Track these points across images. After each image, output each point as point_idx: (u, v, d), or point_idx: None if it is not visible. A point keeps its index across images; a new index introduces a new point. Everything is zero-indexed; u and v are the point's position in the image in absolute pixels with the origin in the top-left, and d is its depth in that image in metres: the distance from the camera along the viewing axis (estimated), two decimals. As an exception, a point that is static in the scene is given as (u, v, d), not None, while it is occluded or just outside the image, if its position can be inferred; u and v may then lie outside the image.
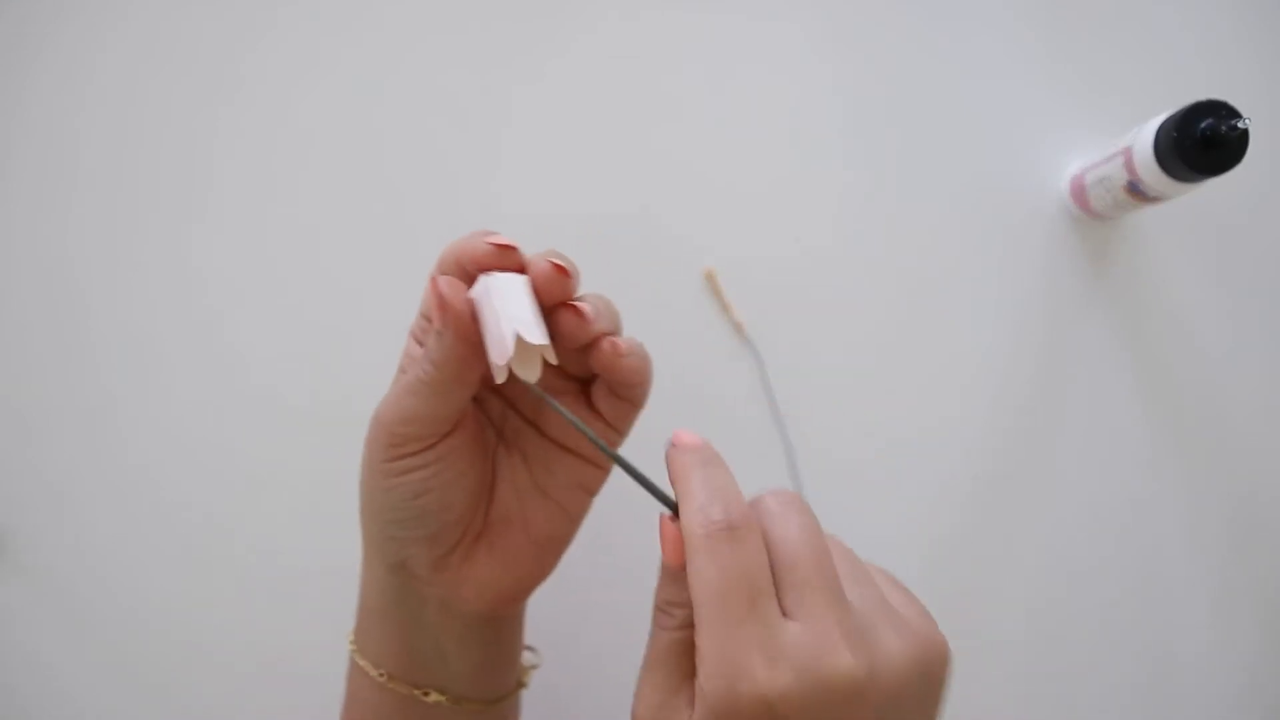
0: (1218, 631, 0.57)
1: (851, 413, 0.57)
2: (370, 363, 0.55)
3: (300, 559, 0.54)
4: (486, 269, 0.33)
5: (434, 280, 0.33)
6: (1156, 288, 0.58)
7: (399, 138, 0.56)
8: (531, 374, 0.33)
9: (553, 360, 0.33)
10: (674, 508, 0.31)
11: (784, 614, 0.28)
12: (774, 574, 0.28)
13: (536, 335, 0.32)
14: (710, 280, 0.56)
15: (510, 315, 0.32)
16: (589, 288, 0.56)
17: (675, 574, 0.30)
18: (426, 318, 0.37)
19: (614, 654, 0.54)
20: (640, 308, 0.56)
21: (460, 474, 0.36)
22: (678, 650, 0.30)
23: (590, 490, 0.38)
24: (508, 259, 0.33)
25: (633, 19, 0.57)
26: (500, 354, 0.32)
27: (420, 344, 0.37)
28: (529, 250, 0.35)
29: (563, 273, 0.33)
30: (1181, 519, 0.57)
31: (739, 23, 0.58)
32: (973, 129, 0.58)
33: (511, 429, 0.39)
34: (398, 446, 0.34)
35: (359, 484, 0.36)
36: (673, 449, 0.31)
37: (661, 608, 0.31)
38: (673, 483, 0.31)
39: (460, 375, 0.33)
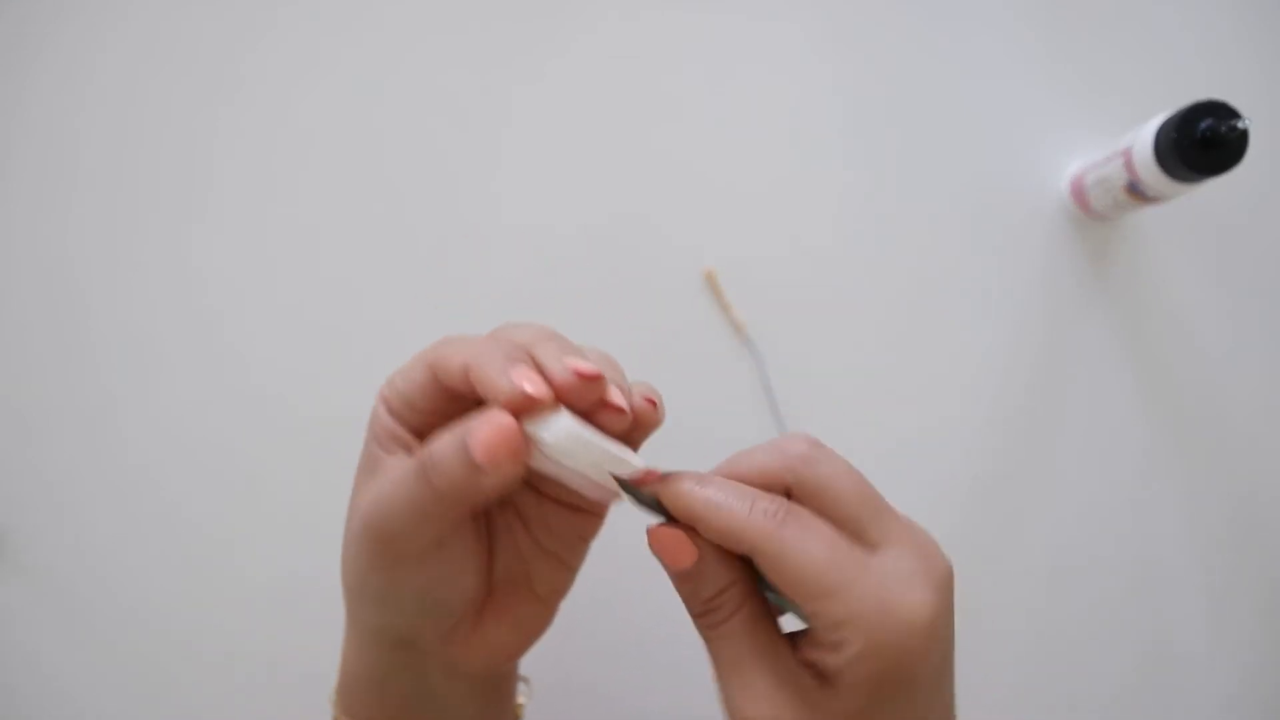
0: (1216, 629, 0.57)
1: (852, 412, 0.57)
2: (370, 363, 0.56)
3: (299, 559, 0.54)
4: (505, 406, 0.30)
5: (505, 423, 0.29)
6: (1156, 288, 0.58)
7: (399, 138, 0.56)
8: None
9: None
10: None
11: (872, 545, 0.30)
12: (846, 512, 0.30)
13: (631, 466, 0.31)
14: (710, 280, 0.56)
15: (592, 463, 0.30)
16: (589, 288, 0.56)
17: (695, 571, 0.31)
18: (406, 402, 0.32)
19: (598, 675, 0.54)
20: (640, 308, 0.56)
21: (471, 555, 0.34)
22: (751, 631, 0.30)
23: (588, 539, 0.37)
24: (531, 405, 0.30)
25: (633, 19, 0.57)
26: (608, 499, 0.31)
27: (395, 437, 0.33)
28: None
29: (592, 379, 0.30)
30: (1181, 518, 0.57)
31: (739, 23, 0.58)
32: (973, 129, 0.58)
33: None
34: (396, 554, 0.31)
35: (347, 571, 0.34)
36: (668, 489, 0.31)
37: (706, 610, 0.31)
38: (695, 512, 0.30)
39: (476, 503, 0.31)
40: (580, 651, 0.54)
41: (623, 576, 0.53)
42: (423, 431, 0.33)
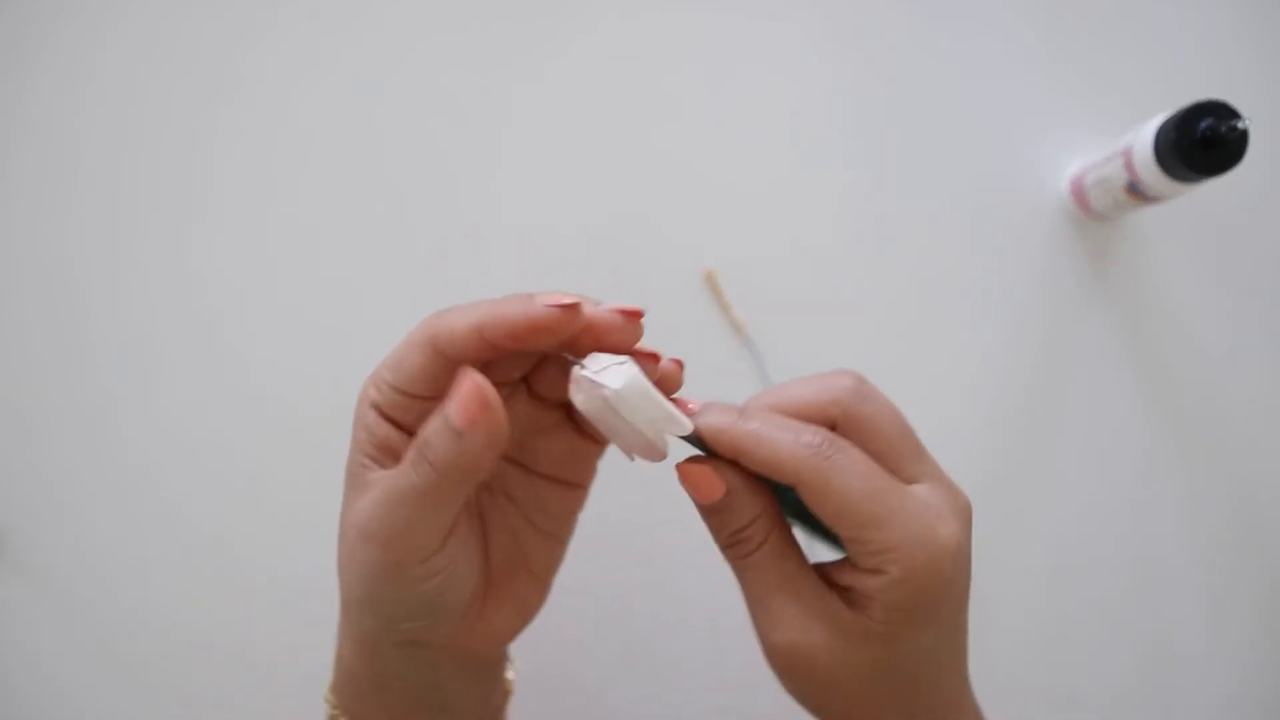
0: (1216, 629, 0.57)
1: (851, 413, 0.57)
2: (370, 363, 0.56)
3: (299, 559, 0.54)
4: (542, 335, 0.29)
5: (471, 380, 0.28)
6: (1156, 288, 0.58)
7: (399, 138, 0.56)
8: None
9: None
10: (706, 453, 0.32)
11: (908, 479, 0.31)
12: (887, 447, 0.32)
13: (683, 425, 0.31)
14: (710, 280, 0.56)
15: (649, 419, 0.30)
16: (589, 288, 0.56)
17: (723, 504, 0.31)
18: (404, 393, 0.32)
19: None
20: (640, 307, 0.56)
21: (473, 547, 0.34)
22: (778, 561, 0.32)
23: (577, 511, 0.37)
24: (571, 320, 0.29)
25: (633, 19, 0.57)
26: (650, 455, 0.31)
27: (385, 447, 0.32)
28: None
29: (635, 315, 0.31)
30: (1181, 518, 0.57)
31: (739, 23, 0.58)
32: (973, 129, 0.58)
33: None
34: (403, 555, 0.31)
35: (351, 585, 0.33)
36: (711, 424, 0.31)
37: (734, 541, 0.32)
38: (740, 445, 0.30)
39: (474, 475, 0.30)
40: (572, 644, 0.54)
41: (622, 570, 0.53)
42: (417, 427, 0.32)
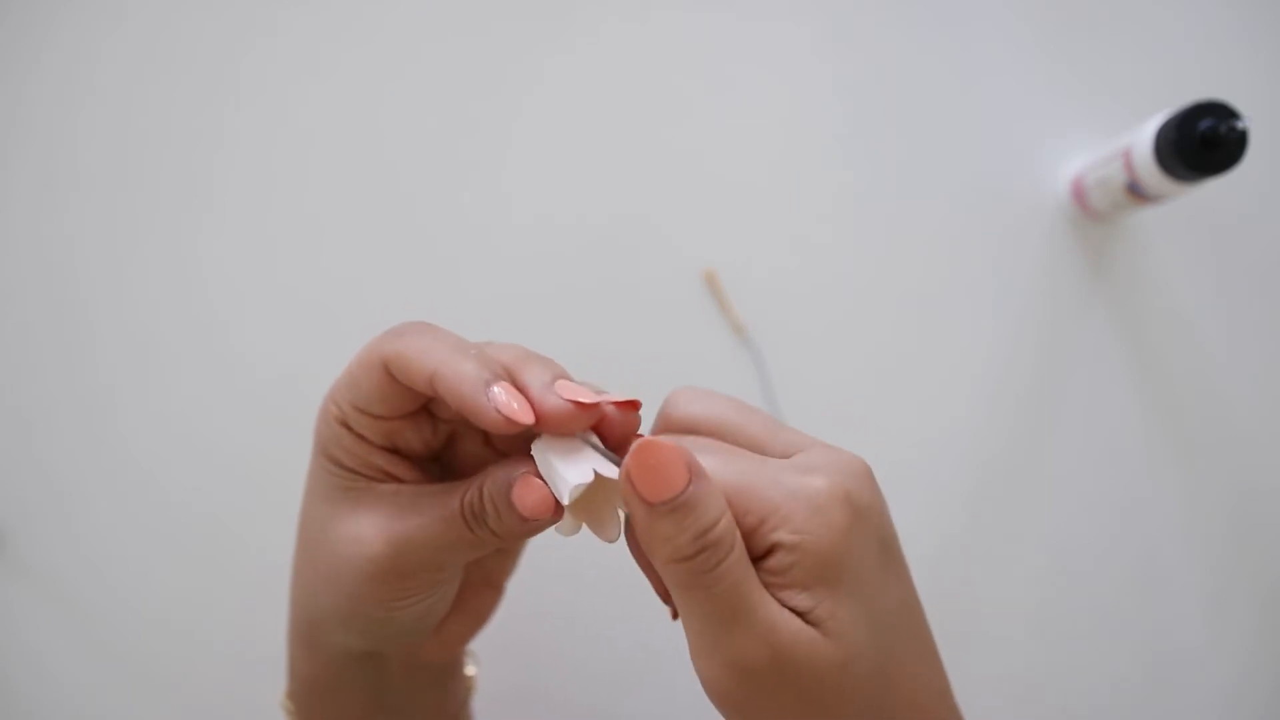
0: (1215, 628, 0.57)
1: (852, 413, 0.57)
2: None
3: (300, 559, 0.54)
4: (486, 427, 0.29)
5: (540, 487, 0.29)
6: (1156, 288, 0.58)
7: (402, 138, 0.56)
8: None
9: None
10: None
11: (782, 455, 0.30)
12: (743, 436, 0.31)
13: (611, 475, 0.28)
14: (710, 280, 0.56)
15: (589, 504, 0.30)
16: (589, 288, 0.56)
17: (689, 497, 0.27)
18: (363, 411, 0.31)
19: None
20: (640, 308, 0.56)
21: (459, 574, 0.35)
22: (749, 568, 0.28)
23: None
24: (518, 432, 0.29)
25: (632, 20, 0.57)
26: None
27: (370, 464, 0.32)
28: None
29: (634, 406, 0.30)
30: (1180, 518, 0.57)
31: (740, 23, 0.58)
32: (972, 129, 0.58)
33: None
34: (414, 588, 0.32)
35: (325, 598, 0.33)
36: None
37: (700, 549, 0.27)
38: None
39: (523, 541, 0.32)
40: (564, 666, 0.54)
41: (614, 595, 0.53)
42: (384, 443, 0.32)
